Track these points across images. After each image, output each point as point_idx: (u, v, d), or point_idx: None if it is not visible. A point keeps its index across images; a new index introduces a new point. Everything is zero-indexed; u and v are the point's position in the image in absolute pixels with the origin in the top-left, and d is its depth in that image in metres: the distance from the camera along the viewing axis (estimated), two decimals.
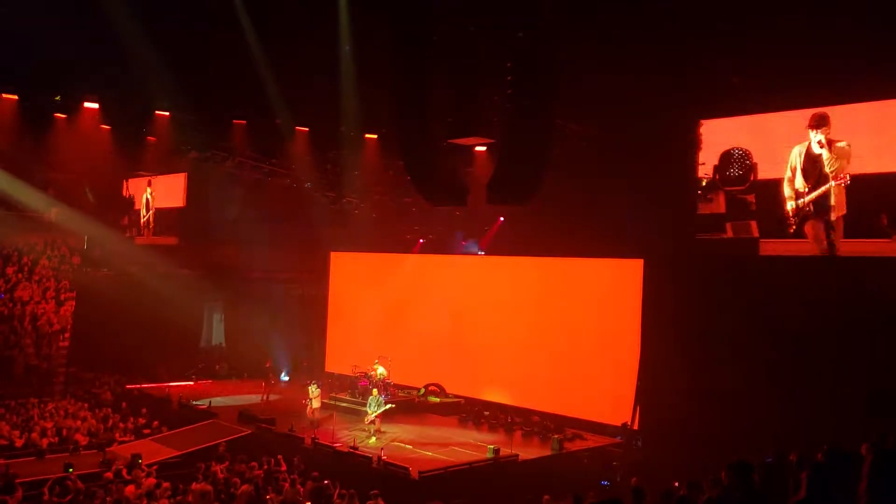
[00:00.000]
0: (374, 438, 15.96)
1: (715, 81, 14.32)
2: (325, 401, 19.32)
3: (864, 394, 12.49)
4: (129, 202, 27.07)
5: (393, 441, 16.11)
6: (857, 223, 12.99)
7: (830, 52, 12.23)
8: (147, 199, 26.27)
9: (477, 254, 21.45)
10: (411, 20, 13.89)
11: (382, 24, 15.10)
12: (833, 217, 13.10)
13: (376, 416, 16.32)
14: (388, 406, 16.68)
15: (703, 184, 14.64)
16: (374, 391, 16.95)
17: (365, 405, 16.85)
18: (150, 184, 26.06)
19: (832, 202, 13.07)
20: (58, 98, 19.34)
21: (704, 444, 13.07)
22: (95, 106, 19.20)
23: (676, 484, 8.46)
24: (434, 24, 13.75)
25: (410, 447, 15.62)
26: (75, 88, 18.67)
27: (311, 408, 17.59)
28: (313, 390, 17.75)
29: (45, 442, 15.60)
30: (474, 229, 21.85)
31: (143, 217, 26.34)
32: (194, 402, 19.32)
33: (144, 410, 18.50)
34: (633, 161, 16.32)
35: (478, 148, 18.47)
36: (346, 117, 19.38)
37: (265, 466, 13.02)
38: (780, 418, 13.20)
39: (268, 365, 20.62)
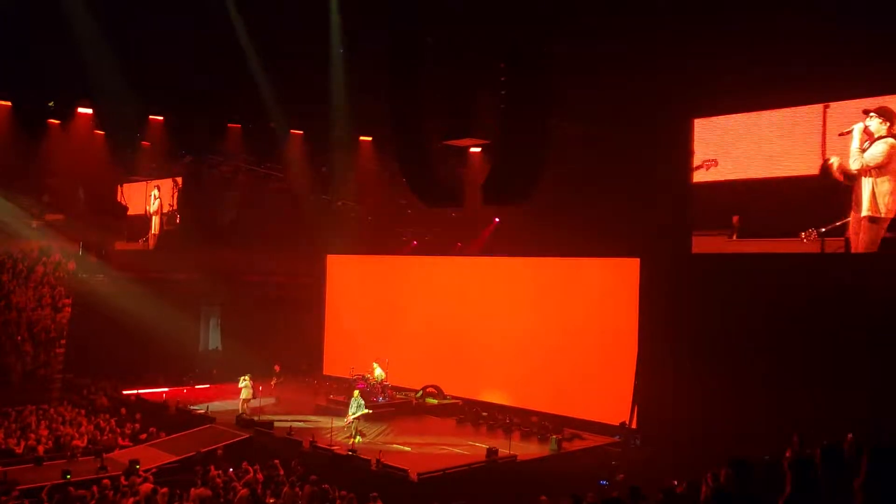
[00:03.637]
0: (358, 438, 15.80)
1: (709, 80, 14.33)
2: (323, 405, 19.32)
3: (864, 391, 12.51)
4: (124, 208, 26.99)
5: (373, 441, 16.08)
6: None
7: (824, 49, 12.29)
8: (157, 205, 26.15)
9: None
10: (405, 21, 13.90)
11: (376, 25, 15.10)
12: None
13: (355, 418, 16.10)
14: (366, 411, 16.43)
15: None
16: (356, 392, 16.66)
17: (364, 407, 16.79)
18: (158, 189, 25.93)
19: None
20: (51, 104, 19.28)
21: (702, 442, 13.10)
22: (89, 111, 19.15)
23: (676, 482, 8.47)
24: (428, 26, 13.76)
25: (409, 449, 15.61)
26: (69, 94, 18.62)
27: (241, 399, 18.07)
28: (242, 381, 18.13)
29: (41, 449, 15.55)
30: (470, 230, 21.87)
31: (152, 224, 26.20)
32: (191, 407, 19.28)
33: (139, 416, 18.48)
34: (629, 160, 16.34)
35: (473, 149, 18.47)
36: (340, 120, 19.36)
37: (256, 474, 12.95)
38: (778, 416, 13.22)
39: (277, 369, 20.80)
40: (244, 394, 18.17)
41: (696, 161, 15.04)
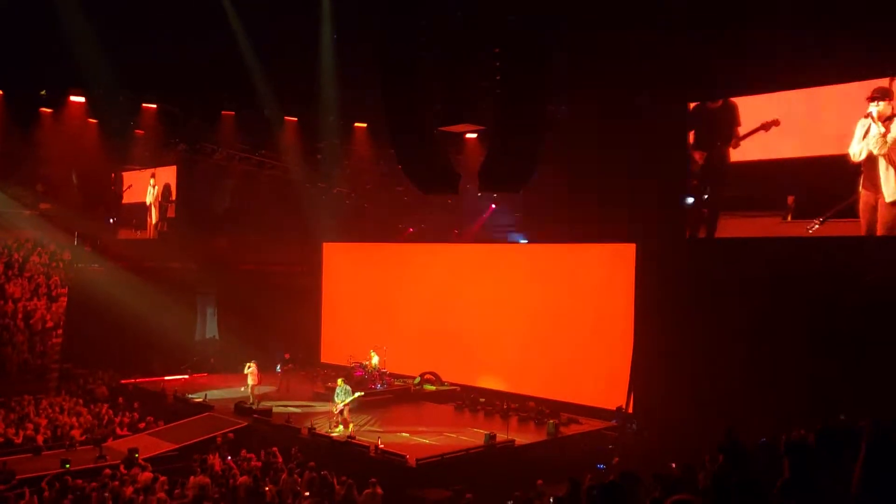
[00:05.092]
0: (340, 427, 15.49)
1: (704, 64, 14.29)
2: (320, 392, 19.36)
3: (859, 375, 12.55)
4: (119, 196, 26.87)
5: (360, 429, 15.78)
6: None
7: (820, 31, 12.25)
8: (155, 193, 25.99)
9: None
10: (400, 7, 13.81)
11: (370, 11, 15.01)
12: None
13: (344, 405, 15.63)
14: (357, 394, 16.12)
15: None
16: (340, 381, 16.23)
17: (361, 394, 16.67)
18: (153, 176, 25.74)
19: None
20: (43, 92, 19.17)
21: (699, 425, 13.16)
22: (82, 100, 19.03)
23: (673, 465, 8.53)
24: (422, 11, 13.66)
25: (407, 435, 15.66)
26: (60, 82, 18.49)
27: (248, 385, 18.17)
28: (248, 368, 18.19)
29: (40, 438, 15.58)
30: (466, 217, 21.86)
31: (152, 213, 26.04)
32: (189, 396, 19.31)
33: (137, 405, 18.50)
34: (625, 145, 16.30)
35: (468, 135, 18.42)
36: (334, 107, 19.28)
37: (251, 463, 12.99)
38: (774, 400, 13.29)
39: (287, 356, 20.81)
40: (250, 380, 18.17)
41: (752, 127, 14.37)
